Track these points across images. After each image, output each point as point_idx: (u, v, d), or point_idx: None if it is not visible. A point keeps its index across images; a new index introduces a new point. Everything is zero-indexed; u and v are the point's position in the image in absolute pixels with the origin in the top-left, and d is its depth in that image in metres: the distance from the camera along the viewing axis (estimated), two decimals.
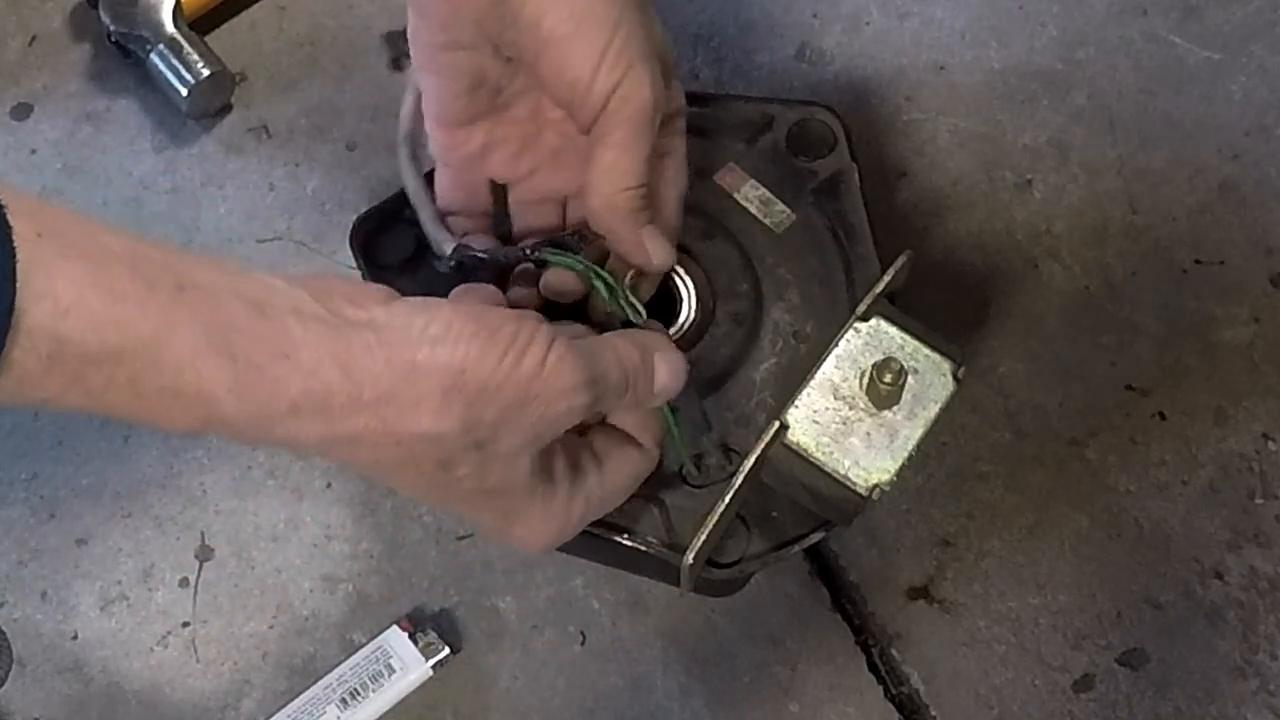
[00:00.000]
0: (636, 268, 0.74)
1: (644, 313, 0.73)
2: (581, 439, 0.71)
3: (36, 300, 0.52)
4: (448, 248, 0.76)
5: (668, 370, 0.70)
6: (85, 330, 0.53)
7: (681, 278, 0.80)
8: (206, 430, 0.58)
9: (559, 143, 0.77)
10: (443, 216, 0.78)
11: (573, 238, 0.75)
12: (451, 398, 0.60)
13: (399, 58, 1.02)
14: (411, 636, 0.85)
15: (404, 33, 0.75)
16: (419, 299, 0.63)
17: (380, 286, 0.63)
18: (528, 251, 0.74)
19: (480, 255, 0.75)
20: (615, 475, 0.71)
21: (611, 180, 0.72)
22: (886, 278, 0.73)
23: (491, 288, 0.73)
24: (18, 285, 0.51)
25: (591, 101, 0.70)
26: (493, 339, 0.61)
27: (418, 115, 0.78)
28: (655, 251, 0.74)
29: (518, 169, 0.78)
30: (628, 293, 0.73)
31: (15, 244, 0.51)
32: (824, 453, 0.71)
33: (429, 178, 0.80)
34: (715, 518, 0.70)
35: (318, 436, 0.59)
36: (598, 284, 0.72)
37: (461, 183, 0.78)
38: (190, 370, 0.55)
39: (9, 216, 0.51)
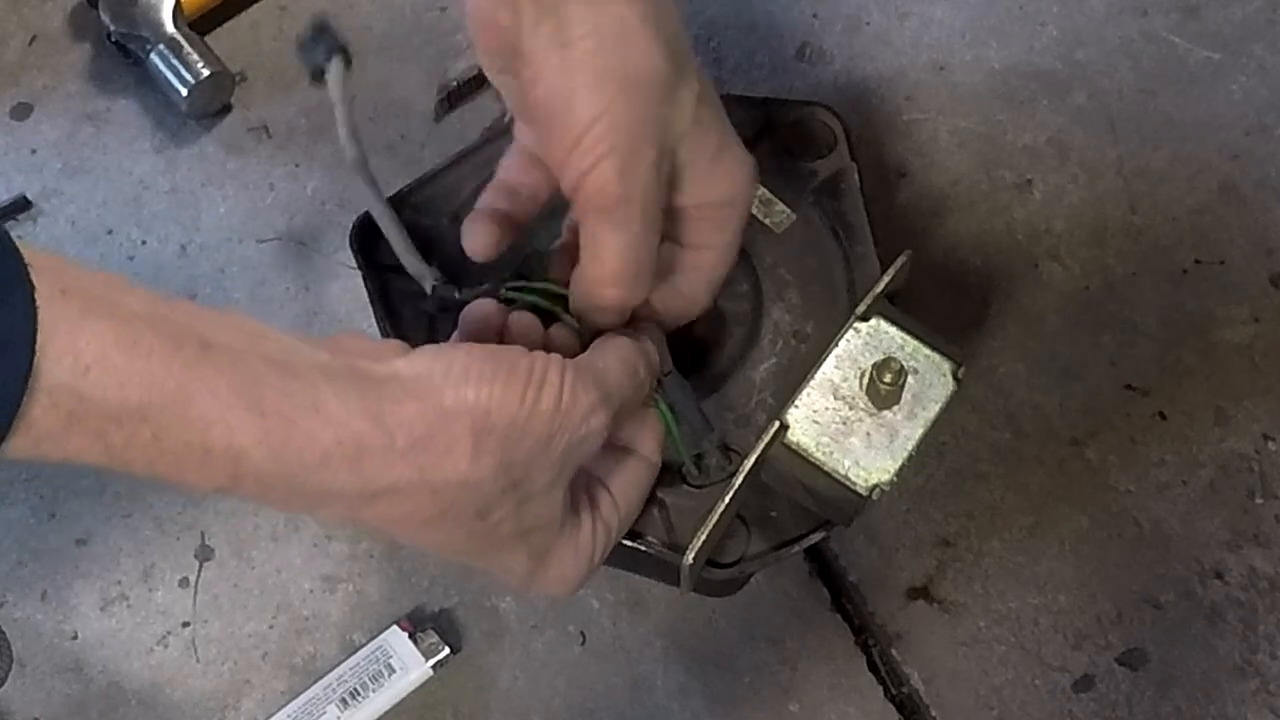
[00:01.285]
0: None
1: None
2: (583, 468, 0.70)
3: (58, 358, 0.52)
4: (427, 280, 0.76)
5: (646, 360, 0.70)
6: (108, 387, 0.53)
7: None
8: (235, 488, 0.57)
9: None
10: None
11: (533, 258, 0.74)
12: (484, 440, 0.60)
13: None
14: (411, 636, 0.85)
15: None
16: (432, 347, 0.63)
17: (394, 341, 0.64)
18: (500, 294, 0.73)
19: (457, 298, 0.74)
20: (627, 492, 0.71)
21: (584, 272, 0.69)
22: (886, 278, 0.73)
23: (493, 305, 0.71)
24: (39, 343, 0.51)
25: (565, 184, 0.67)
26: (512, 377, 0.61)
27: (358, 138, 0.76)
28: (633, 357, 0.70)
29: None
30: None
31: (38, 302, 0.51)
32: (824, 453, 0.71)
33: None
34: (715, 518, 0.70)
35: (353, 490, 0.58)
36: (564, 316, 0.72)
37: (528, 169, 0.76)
38: (219, 425, 0.55)
39: (31, 274, 0.51)
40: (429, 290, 0.76)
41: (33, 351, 0.51)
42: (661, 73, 0.65)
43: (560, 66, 0.64)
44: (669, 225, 0.71)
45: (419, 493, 0.60)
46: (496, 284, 0.73)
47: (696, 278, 0.73)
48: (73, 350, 0.52)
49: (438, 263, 0.78)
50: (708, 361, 0.79)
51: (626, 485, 0.71)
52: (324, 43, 0.76)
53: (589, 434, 0.64)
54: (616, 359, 0.68)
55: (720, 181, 0.70)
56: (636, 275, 0.68)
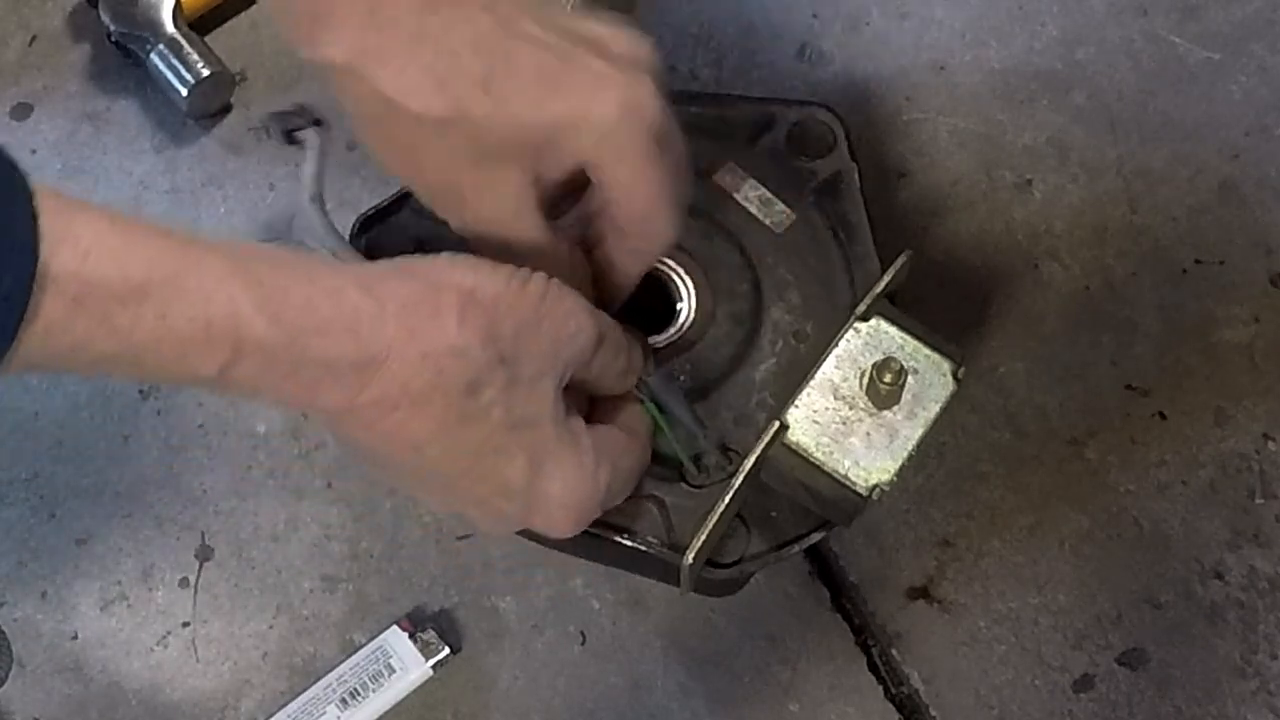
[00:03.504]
0: None
1: None
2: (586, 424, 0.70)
3: (57, 244, 0.53)
4: None
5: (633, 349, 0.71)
6: (108, 268, 0.54)
7: (681, 278, 0.80)
8: (237, 365, 0.58)
9: None
10: None
11: None
12: (469, 310, 0.62)
13: None
14: (411, 636, 0.85)
15: None
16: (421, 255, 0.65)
17: None
18: None
19: None
20: (623, 460, 0.70)
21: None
22: (886, 278, 0.73)
23: None
24: (41, 236, 0.52)
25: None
26: (495, 268, 0.64)
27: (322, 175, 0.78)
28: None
29: None
30: None
31: (39, 202, 0.52)
32: (824, 453, 0.71)
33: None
34: (715, 518, 0.70)
35: (350, 358, 0.60)
36: None
37: None
38: (220, 295, 0.57)
39: (29, 181, 0.53)
40: None
41: (37, 240, 0.52)
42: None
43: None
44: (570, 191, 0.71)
45: (409, 358, 0.61)
46: None
47: (617, 226, 0.71)
48: (71, 237, 0.53)
49: None
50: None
51: (621, 454, 0.70)
52: (303, 115, 0.81)
53: (574, 334, 0.66)
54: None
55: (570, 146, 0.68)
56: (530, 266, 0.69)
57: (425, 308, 0.61)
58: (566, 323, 0.65)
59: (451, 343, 0.61)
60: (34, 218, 0.52)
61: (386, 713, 0.85)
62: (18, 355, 0.54)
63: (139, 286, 0.55)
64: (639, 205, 0.72)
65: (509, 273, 0.64)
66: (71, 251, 0.53)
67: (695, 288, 0.80)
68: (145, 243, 0.56)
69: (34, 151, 0.99)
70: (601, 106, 0.66)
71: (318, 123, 0.81)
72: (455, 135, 0.66)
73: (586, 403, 0.71)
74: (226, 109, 1.00)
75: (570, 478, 0.67)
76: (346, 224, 0.82)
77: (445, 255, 0.64)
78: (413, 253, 0.80)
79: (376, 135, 0.69)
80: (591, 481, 0.67)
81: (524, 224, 0.69)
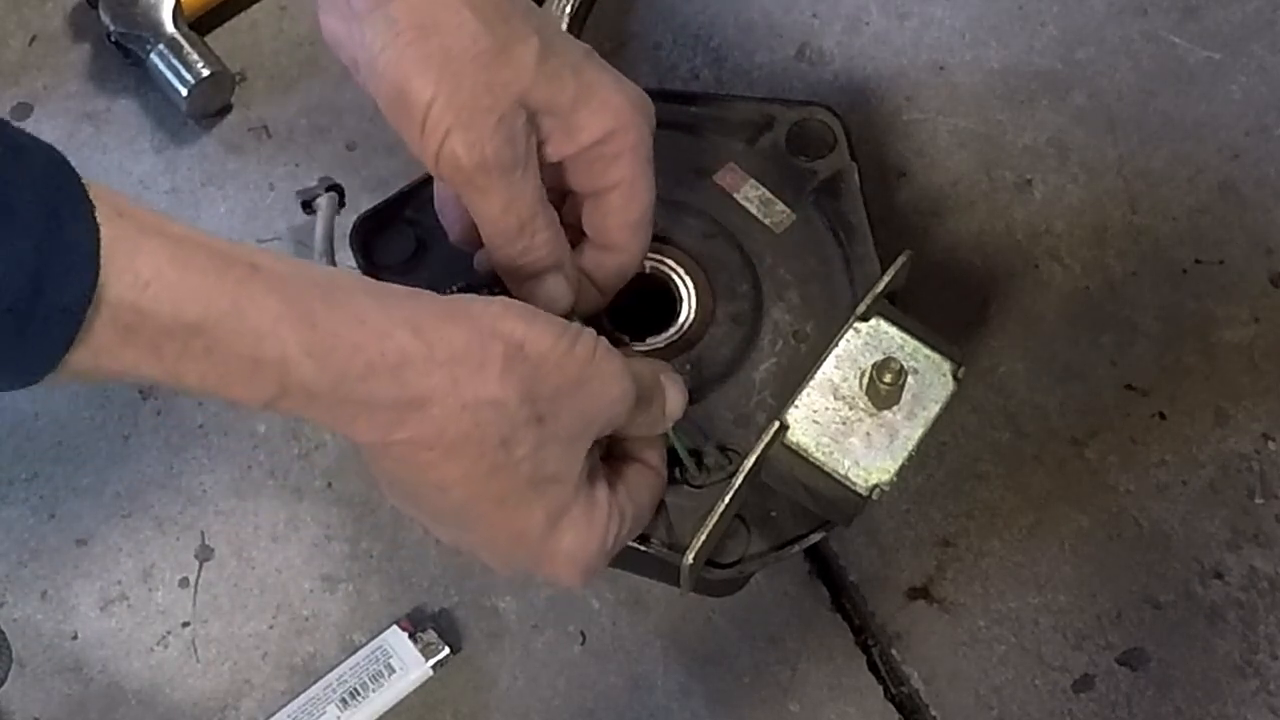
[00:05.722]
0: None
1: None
2: (601, 463, 0.71)
3: (119, 274, 0.54)
4: None
5: (675, 390, 0.72)
6: (165, 303, 0.55)
7: (681, 278, 0.80)
8: (278, 401, 0.59)
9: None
10: None
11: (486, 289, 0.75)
12: (513, 365, 0.62)
13: None
14: (411, 636, 0.85)
15: None
16: (473, 295, 0.66)
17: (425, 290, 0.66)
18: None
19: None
20: (639, 492, 0.72)
21: (486, 238, 0.72)
22: (886, 278, 0.73)
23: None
24: (102, 260, 0.53)
25: (432, 169, 0.70)
26: (549, 323, 0.64)
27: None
28: (544, 302, 0.72)
29: None
30: None
31: (100, 221, 0.53)
32: (824, 453, 0.71)
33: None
34: (715, 518, 0.70)
35: (390, 399, 0.60)
36: None
37: None
38: (270, 338, 0.57)
39: (90, 194, 0.53)
40: None
41: (97, 267, 0.53)
42: (483, 42, 0.68)
43: (389, 65, 0.68)
44: (569, 178, 0.73)
45: (450, 405, 0.61)
46: (462, 283, 0.75)
47: (614, 224, 0.74)
48: (132, 268, 0.54)
49: (438, 262, 0.78)
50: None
51: (638, 485, 0.72)
52: (320, 185, 0.87)
53: (615, 400, 0.67)
54: (639, 364, 0.70)
55: (588, 122, 0.71)
56: (522, 228, 0.70)
57: (472, 359, 0.62)
58: (609, 388, 0.66)
59: (493, 396, 0.62)
60: (97, 240, 0.53)
61: (386, 713, 0.85)
62: (62, 373, 0.55)
63: (192, 324, 0.56)
64: (636, 210, 0.73)
65: (561, 329, 0.64)
66: (131, 282, 0.54)
67: (695, 288, 0.80)
68: (203, 278, 0.56)
69: None
70: (631, 98, 0.71)
71: (332, 189, 0.87)
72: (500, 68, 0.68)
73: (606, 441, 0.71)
74: (226, 109, 1.00)
75: (582, 535, 0.68)
76: (346, 225, 0.82)
77: (501, 301, 0.65)
78: (413, 253, 0.81)
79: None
80: (601, 540, 0.69)
81: (526, 177, 0.70)
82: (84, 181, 0.54)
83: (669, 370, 0.73)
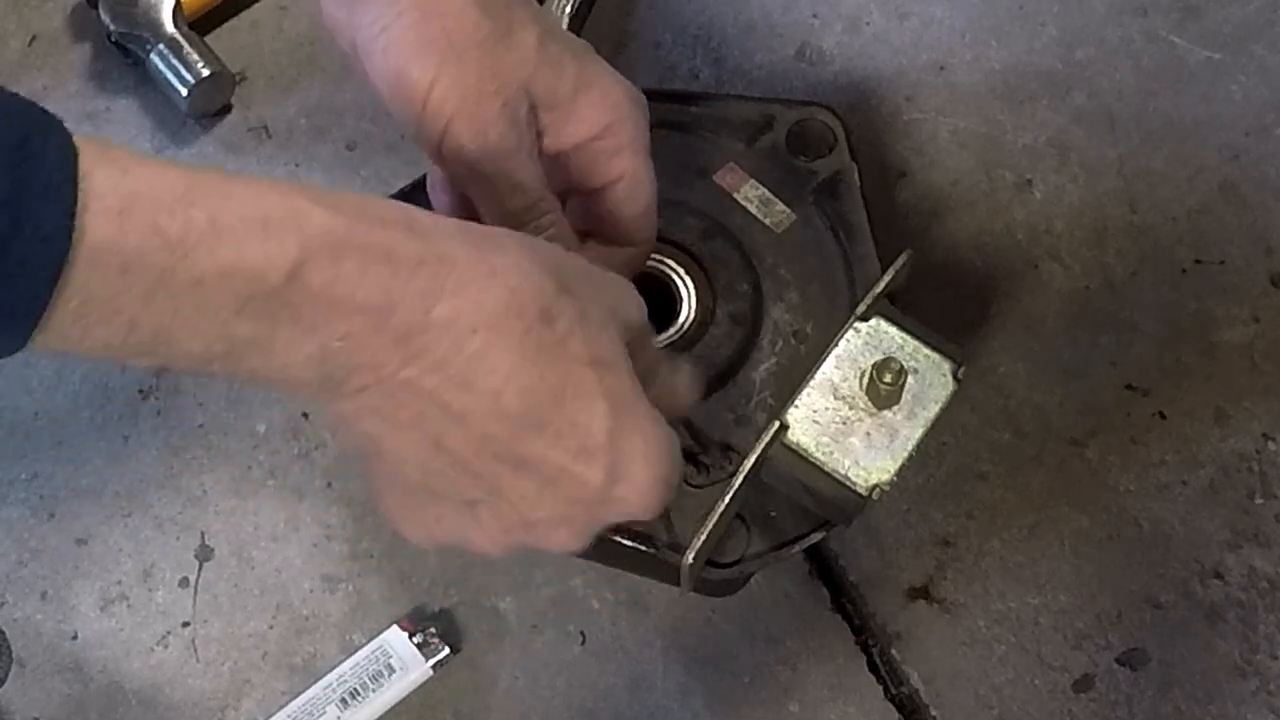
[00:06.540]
0: None
1: None
2: None
3: (96, 161, 0.50)
4: None
5: (687, 374, 0.70)
6: (150, 179, 0.51)
7: (681, 278, 0.80)
8: (305, 265, 0.53)
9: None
10: None
11: None
12: (525, 244, 0.60)
13: None
14: (411, 636, 0.85)
15: None
16: None
17: None
18: None
19: None
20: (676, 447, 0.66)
21: (491, 224, 0.71)
22: (886, 278, 0.73)
23: None
24: (81, 160, 0.50)
25: (432, 156, 0.70)
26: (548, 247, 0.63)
27: None
28: None
29: None
30: None
31: (76, 146, 0.50)
32: (824, 453, 0.71)
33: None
34: (715, 518, 0.70)
35: (414, 253, 0.55)
36: None
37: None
38: (271, 194, 0.53)
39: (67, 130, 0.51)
40: None
41: (75, 184, 0.49)
42: (484, 27, 0.67)
43: (389, 46, 0.67)
44: (570, 175, 0.73)
45: (479, 271, 0.56)
46: None
47: (618, 217, 0.74)
48: (108, 156, 0.51)
49: None
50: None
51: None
52: None
53: (629, 296, 0.64)
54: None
55: (588, 113, 0.71)
56: (528, 210, 0.70)
57: (486, 237, 0.59)
58: (619, 283, 0.64)
59: (516, 262, 0.58)
60: (74, 160, 0.50)
61: (386, 713, 0.85)
62: (70, 285, 0.50)
63: (184, 194, 0.51)
64: (640, 203, 0.73)
65: (555, 248, 0.63)
66: (110, 169, 0.50)
67: (695, 288, 0.80)
68: (188, 174, 0.52)
69: None
70: (629, 92, 0.71)
71: None
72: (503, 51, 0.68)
73: None
74: (226, 109, 1.00)
75: (652, 438, 0.60)
76: None
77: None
78: None
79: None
80: (671, 447, 0.62)
81: (530, 162, 0.69)
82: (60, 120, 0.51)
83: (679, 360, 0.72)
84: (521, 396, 0.57)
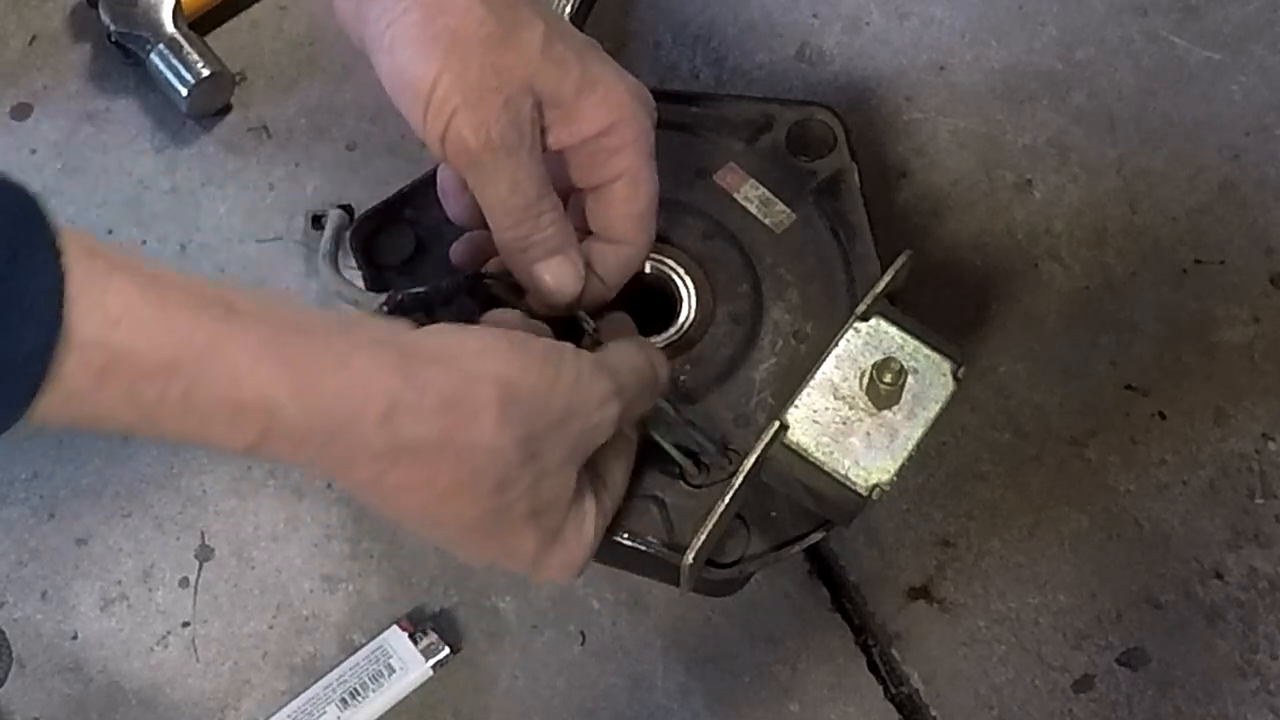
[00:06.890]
0: (542, 300, 0.74)
1: (591, 320, 0.75)
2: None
3: (87, 312, 0.52)
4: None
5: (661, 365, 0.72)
6: (138, 340, 0.53)
7: (681, 278, 0.80)
8: (262, 446, 0.57)
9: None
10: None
11: (491, 280, 0.75)
12: (509, 410, 0.61)
13: None
14: (411, 636, 0.85)
15: None
16: (446, 325, 0.65)
17: (403, 320, 0.66)
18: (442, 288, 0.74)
19: (418, 292, 0.73)
20: (615, 475, 0.72)
21: (492, 220, 0.72)
22: (886, 278, 0.73)
23: (514, 314, 0.73)
24: (69, 296, 0.51)
25: (436, 152, 0.70)
26: (530, 352, 0.63)
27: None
28: (552, 286, 0.72)
29: None
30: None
31: (66, 263, 0.51)
32: (824, 453, 0.71)
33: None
34: (715, 518, 0.70)
35: (380, 446, 0.59)
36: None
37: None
38: (250, 380, 0.56)
39: (61, 238, 0.52)
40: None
41: (61, 307, 0.51)
42: (489, 25, 0.68)
43: (394, 42, 0.68)
44: (572, 172, 0.73)
45: (444, 455, 0.60)
46: (443, 280, 0.74)
47: (619, 216, 0.74)
48: (101, 305, 0.52)
49: (438, 262, 0.79)
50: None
51: (613, 464, 0.72)
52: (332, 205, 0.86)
53: (602, 421, 0.66)
54: (628, 360, 0.69)
55: (591, 112, 0.71)
56: (529, 208, 0.70)
57: (464, 406, 0.60)
58: (594, 413, 0.65)
59: (489, 444, 0.61)
60: (62, 279, 0.51)
61: (386, 713, 0.85)
62: (35, 415, 0.53)
63: (168, 363, 0.54)
64: (641, 201, 0.73)
65: (544, 355, 0.64)
66: (101, 319, 0.52)
67: (695, 288, 0.80)
68: (178, 313, 0.54)
69: (34, 151, 0.99)
70: (634, 91, 0.72)
71: (343, 209, 0.86)
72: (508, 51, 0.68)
73: None
74: (226, 109, 1.00)
75: (574, 546, 0.68)
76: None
77: (475, 333, 0.64)
78: (413, 253, 0.81)
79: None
80: (591, 543, 0.69)
81: (532, 158, 0.70)
82: (51, 221, 0.52)
83: (651, 347, 0.73)
84: (458, 532, 0.65)
